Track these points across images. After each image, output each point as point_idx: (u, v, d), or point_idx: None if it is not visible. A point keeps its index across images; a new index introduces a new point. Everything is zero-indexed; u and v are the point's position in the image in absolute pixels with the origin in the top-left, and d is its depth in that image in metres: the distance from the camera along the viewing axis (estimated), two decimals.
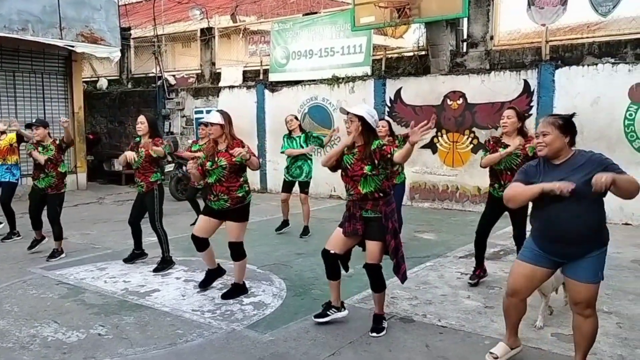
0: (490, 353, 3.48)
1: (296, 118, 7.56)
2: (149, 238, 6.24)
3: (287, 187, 7.53)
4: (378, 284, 4.06)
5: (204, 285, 5.05)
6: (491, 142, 5.02)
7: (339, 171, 4.14)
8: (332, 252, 4.08)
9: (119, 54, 11.91)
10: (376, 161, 3.90)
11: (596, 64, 8.32)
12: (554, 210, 3.06)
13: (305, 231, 7.48)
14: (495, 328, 4.04)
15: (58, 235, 6.37)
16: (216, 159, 4.66)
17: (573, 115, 3.23)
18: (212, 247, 4.95)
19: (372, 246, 3.99)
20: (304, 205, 7.47)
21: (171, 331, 4.07)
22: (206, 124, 5.14)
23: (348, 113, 4.03)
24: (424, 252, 6.50)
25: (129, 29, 14.36)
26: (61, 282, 5.37)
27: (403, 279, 4.11)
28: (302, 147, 7.32)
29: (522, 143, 4.78)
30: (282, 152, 7.52)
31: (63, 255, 6.36)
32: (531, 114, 8.69)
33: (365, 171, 3.92)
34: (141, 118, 5.79)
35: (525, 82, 8.84)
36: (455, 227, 7.98)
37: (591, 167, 3.00)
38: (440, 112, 9.73)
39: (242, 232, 4.77)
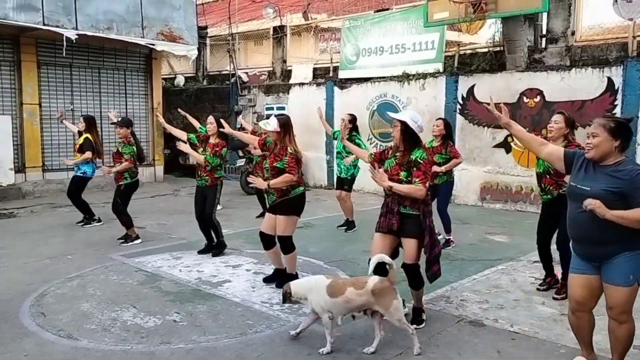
0: None
1: (350, 121, 7.47)
2: (225, 230, 6.48)
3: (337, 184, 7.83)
4: (416, 282, 4.09)
5: (267, 281, 5.16)
6: None
7: None
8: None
9: (196, 52, 12.33)
10: (413, 169, 3.98)
11: None
12: (576, 210, 3.09)
13: (350, 226, 7.66)
14: (571, 337, 3.83)
15: (124, 223, 6.80)
16: (265, 161, 4.92)
17: (630, 120, 3.19)
18: (278, 247, 5.02)
19: (410, 244, 4.00)
20: (344, 202, 7.60)
21: (242, 321, 4.19)
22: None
23: (393, 119, 4.11)
24: (496, 255, 6.31)
25: (206, 27, 14.83)
26: (140, 269, 5.66)
27: (432, 278, 4.09)
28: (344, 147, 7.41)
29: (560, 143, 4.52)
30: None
31: (138, 241, 6.78)
32: (615, 113, 8.21)
33: (401, 177, 4.01)
34: (210, 119, 6.10)
35: (609, 79, 8.35)
36: (529, 230, 7.61)
37: (623, 181, 2.95)
38: (516, 110, 9.38)
39: (289, 225, 4.85)
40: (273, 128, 4.81)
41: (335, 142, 7.83)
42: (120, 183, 6.77)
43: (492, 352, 3.67)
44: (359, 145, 7.02)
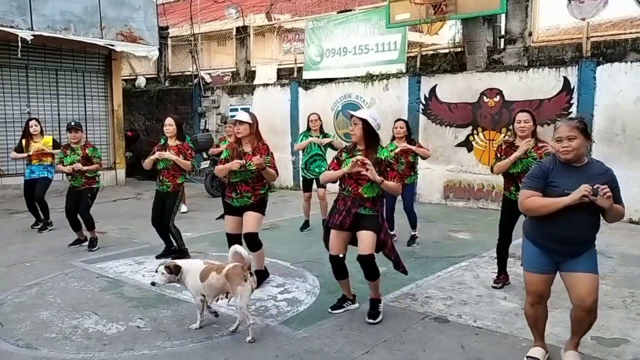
0: (530, 357, 3.44)
1: (320, 118, 7.58)
2: (185, 234, 6.36)
3: (307, 185, 7.67)
4: (372, 274, 4.15)
5: None
6: (503, 147, 4.91)
7: None
8: (340, 256, 4.21)
9: (157, 52, 12.14)
10: (384, 169, 4.08)
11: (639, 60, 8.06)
12: (569, 215, 3.09)
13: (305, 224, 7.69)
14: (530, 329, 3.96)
15: (92, 227, 6.64)
16: (246, 162, 4.77)
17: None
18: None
19: (366, 236, 4.05)
20: (322, 201, 7.52)
21: (207, 325, 4.14)
22: (234, 123, 5.23)
23: (352, 116, 4.14)
24: (459, 252, 6.43)
25: (167, 28, 14.62)
26: (101, 275, 5.53)
27: (405, 271, 4.36)
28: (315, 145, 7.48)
29: (530, 145, 4.66)
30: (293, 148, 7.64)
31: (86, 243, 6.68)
32: (571, 112, 8.48)
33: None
34: (169, 120, 5.98)
35: (565, 79, 8.62)
36: (491, 226, 7.74)
37: (604, 180, 3.07)
38: (477, 109, 9.59)
39: (258, 223, 4.91)
40: (245, 119, 4.80)
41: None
42: (94, 186, 6.64)
43: (456, 348, 3.74)
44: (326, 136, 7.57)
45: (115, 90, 12.82)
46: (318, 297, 4.79)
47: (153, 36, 12.03)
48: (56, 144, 7.88)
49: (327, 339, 3.87)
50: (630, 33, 8.56)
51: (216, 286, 3.91)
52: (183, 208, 9.07)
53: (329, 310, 4.38)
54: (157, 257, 6.06)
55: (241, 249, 3.96)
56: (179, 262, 4.08)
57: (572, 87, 8.55)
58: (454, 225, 8.10)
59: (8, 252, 6.54)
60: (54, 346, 3.80)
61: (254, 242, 4.87)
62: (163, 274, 3.94)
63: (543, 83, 8.83)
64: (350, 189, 4.12)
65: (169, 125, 5.92)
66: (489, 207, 9.45)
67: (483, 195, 9.69)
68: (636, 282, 5.12)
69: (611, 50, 8.61)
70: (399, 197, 5.73)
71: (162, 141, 6.05)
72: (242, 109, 12.86)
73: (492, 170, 5.05)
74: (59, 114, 11.49)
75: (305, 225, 7.71)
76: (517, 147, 4.76)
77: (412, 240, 6.80)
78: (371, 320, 4.12)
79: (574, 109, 8.50)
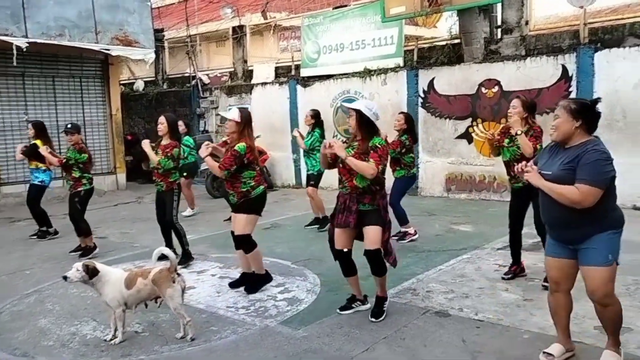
0: (546, 353, 3.28)
1: (313, 116, 7.48)
2: (190, 236, 6.34)
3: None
4: (379, 269, 4.10)
5: (233, 286, 5.03)
6: (498, 134, 4.97)
7: None
8: (345, 250, 4.14)
9: (153, 55, 12.09)
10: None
11: (638, 45, 7.95)
12: (543, 195, 3.11)
13: (320, 223, 7.41)
14: (535, 322, 3.91)
15: (82, 231, 6.54)
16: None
17: (595, 101, 3.12)
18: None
19: (372, 231, 4.00)
20: (311, 199, 7.41)
21: (206, 328, 4.10)
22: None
23: (348, 108, 4.10)
24: (461, 245, 6.37)
25: (162, 30, 14.59)
26: None
27: (395, 264, 4.20)
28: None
29: (521, 126, 4.58)
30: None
31: (96, 251, 6.57)
32: None
33: None
34: (161, 119, 5.91)
35: (563, 67, 8.53)
36: (493, 218, 7.77)
37: (579, 159, 2.96)
38: (476, 100, 9.51)
39: (248, 224, 4.75)
40: (232, 117, 4.72)
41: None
42: (80, 189, 6.57)
43: (457, 342, 3.68)
44: (316, 138, 7.24)
45: (113, 94, 12.79)
46: (319, 296, 4.74)
47: (149, 39, 11.99)
48: (32, 149, 7.45)
49: (326, 338, 3.83)
50: (628, 18, 8.45)
51: (144, 292, 3.84)
52: (188, 211, 9.04)
53: (338, 311, 4.28)
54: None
55: (166, 250, 3.92)
56: (100, 267, 3.88)
57: (570, 74, 8.46)
58: (456, 218, 8.04)
59: (8, 260, 6.53)
60: (51, 354, 3.77)
61: (244, 243, 4.78)
62: (78, 270, 3.76)
63: (541, 72, 8.74)
64: (345, 181, 4.09)
65: (161, 123, 5.85)
66: (491, 199, 9.38)
67: (485, 187, 9.61)
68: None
69: (609, 36, 8.51)
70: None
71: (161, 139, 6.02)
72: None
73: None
74: (57, 121, 11.46)
75: (316, 222, 7.58)
76: (510, 133, 4.75)
77: (403, 237, 6.63)
78: (374, 319, 4.06)
79: (572, 96, 8.40)
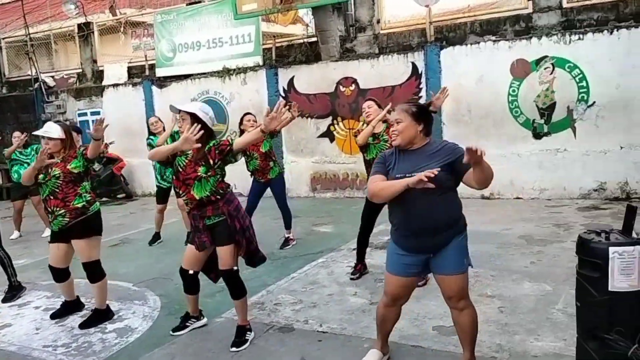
0: None
1: (160, 120, 6.90)
2: (17, 261, 5.53)
3: (164, 195, 6.89)
4: (237, 290, 3.79)
5: (55, 317, 4.46)
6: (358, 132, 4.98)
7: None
8: (190, 272, 3.81)
9: None
10: (211, 161, 3.61)
11: (478, 43, 8.39)
12: (416, 202, 2.86)
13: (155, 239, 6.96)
14: (375, 329, 3.80)
15: None
16: (50, 170, 4.11)
17: (429, 104, 3.24)
18: (73, 277, 4.46)
19: (223, 251, 3.69)
20: (182, 210, 6.54)
21: None
22: (46, 137, 4.35)
23: (180, 111, 3.68)
24: (318, 248, 6.24)
25: None
26: None
27: (260, 261, 3.96)
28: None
29: (382, 129, 4.76)
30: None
31: None
32: (421, 97, 8.65)
33: (199, 173, 3.60)
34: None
35: (413, 64, 8.78)
36: (355, 215, 7.60)
37: (445, 154, 2.88)
38: (335, 99, 9.52)
39: (93, 249, 4.22)
40: (58, 135, 4.14)
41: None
42: None
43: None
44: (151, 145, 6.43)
45: None
46: (155, 322, 4.30)
47: None
48: None
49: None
50: (469, 16, 8.85)
51: None
52: (14, 234, 8.03)
53: (171, 332, 3.95)
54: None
55: None
56: None
57: (420, 72, 8.73)
58: (319, 219, 7.94)
59: None
60: None
61: (94, 271, 4.23)
62: None
63: (393, 69, 8.93)
64: (183, 194, 3.70)
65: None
66: (355, 196, 9.44)
67: (348, 185, 9.67)
68: (482, 260, 5.18)
69: (453, 34, 8.89)
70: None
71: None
72: (91, 112, 11.85)
73: (358, 143, 4.96)
74: None
75: (156, 237, 7.02)
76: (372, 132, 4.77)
77: (286, 242, 6.37)
78: (235, 349, 3.65)
79: (423, 93, 8.67)
